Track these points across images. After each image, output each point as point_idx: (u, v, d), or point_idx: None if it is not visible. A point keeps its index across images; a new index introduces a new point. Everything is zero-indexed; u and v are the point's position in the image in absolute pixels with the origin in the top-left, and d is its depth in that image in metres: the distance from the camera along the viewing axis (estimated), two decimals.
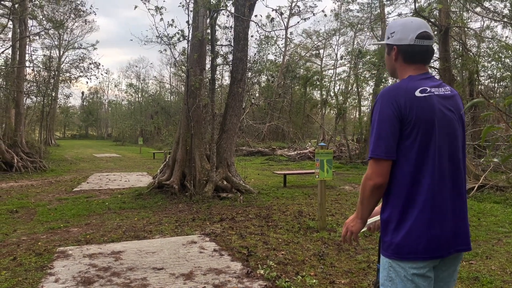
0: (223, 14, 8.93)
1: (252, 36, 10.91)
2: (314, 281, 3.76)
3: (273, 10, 9.06)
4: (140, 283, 3.72)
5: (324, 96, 23.53)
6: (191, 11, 8.37)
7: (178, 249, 4.79)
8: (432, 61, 1.90)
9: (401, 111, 1.63)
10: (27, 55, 15.77)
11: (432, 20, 11.15)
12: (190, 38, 8.48)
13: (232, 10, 8.71)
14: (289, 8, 29.56)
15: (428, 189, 1.63)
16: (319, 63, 32.81)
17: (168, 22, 8.86)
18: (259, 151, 21.15)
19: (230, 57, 9.41)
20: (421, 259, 1.62)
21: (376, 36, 20.19)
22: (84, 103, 56.18)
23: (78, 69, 22.19)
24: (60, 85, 27.07)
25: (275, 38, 18.71)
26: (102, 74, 47.25)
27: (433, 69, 11.69)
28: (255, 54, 22.78)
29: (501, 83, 18.80)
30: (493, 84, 19.41)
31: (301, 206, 7.52)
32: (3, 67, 15.76)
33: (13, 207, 7.39)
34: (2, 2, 13.03)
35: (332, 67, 30.95)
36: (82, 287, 3.63)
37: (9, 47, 15.37)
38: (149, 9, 8.19)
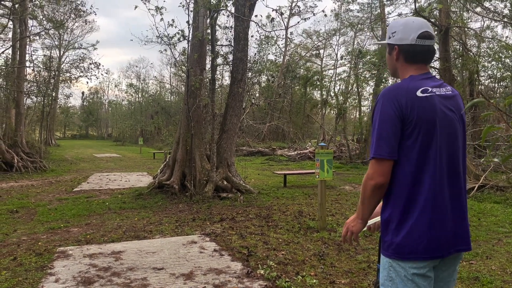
0: (223, 14, 8.94)
1: (252, 36, 10.92)
2: (314, 281, 3.76)
3: (273, 10, 9.07)
4: (140, 283, 3.72)
5: (324, 96, 23.54)
6: (191, 11, 8.37)
7: (178, 249, 4.79)
8: (432, 61, 1.89)
9: (402, 111, 1.63)
10: (27, 55, 15.79)
11: (432, 20, 11.15)
12: (190, 38, 8.48)
13: (232, 10, 8.72)
14: (289, 8, 29.59)
15: (429, 189, 1.63)
16: (319, 63, 32.81)
17: (168, 22, 8.87)
18: (259, 151, 21.15)
19: (230, 57, 9.41)
20: (422, 259, 1.62)
21: (376, 36, 20.18)
22: (84, 103, 56.22)
23: (78, 69, 22.22)
24: (60, 85, 27.06)
25: (275, 38, 18.73)
26: (102, 74, 47.37)
27: (433, 69, 11.69)
28: (255, 54, 22.80)
29: (501, 83, 18.81)
30: (493, 84, 19.42)
31: (301, 206, 7.52)
32: (4, 67, 15.76)
33: (13, 207, 7.39)
34: (2, 2, 13.04)
35: (332, 67, 30.97)
36: (82, 287, 3.63)
37: (10, 47, 15.39)
38: (149, 9, 8.20)
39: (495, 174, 10.17)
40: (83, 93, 54.50)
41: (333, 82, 25.73)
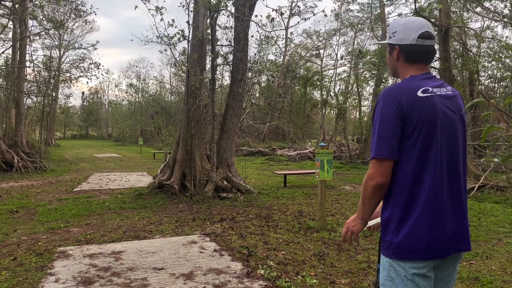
0: (223, 14, 8.94)
1: (252, 36, 10.91)
2: (314, 281, 3.76)
3: (273, 10, 9.07)
4: (140, 283, 3.72)
5: (324, 96, 23.54)
6: (191, 11, 8.37)
7: (178, 249, 4.79)
8: (432, 61, 1.89)
9: (403, 110, 1.63)
10: (27, 55, 15.80)
11: (432, 20, 11.15)
12: (190, 38, 8.48)
13: (232, 10, 8.72)
14: (289, 8, 29.59)
15: (430, 189, 1.63)
16: (319, 63, 32.80)
17: (169, 22, 8.86)
18: (259, 151, 21.15)
19: (230, 57, 9.41)
20: (422, 259, 1.62)
21: (376, 36, 20.18)
22: (85, 103, 56.23)
23: (78, 69, 22.25)
24: (61, 85, 27.06)
25: (275, 38, 18.70)
26: (102, 74, 47.47)
27: (433, 69, 11.68)
28: (255, 54, 22.81)
29: (501, 83, 18.80)
30: (493, 84, 19.42)
31: (301, 206, 7.52)
32: (4, 67, 15.77)
33: (13, 207, 7.39)
34: (2, 2, 13.03)
35: (332, 67, 30.97)
36: (83, 287, 3.63)
37: (10, 47, 15.39)
38: (149, 9, 8.21)
39: (495, 174, 10.17)
40: (83, 93, 54.59)
41: (333, 82, 25.74)
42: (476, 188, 8.52)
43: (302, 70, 28.28)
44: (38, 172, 13.42)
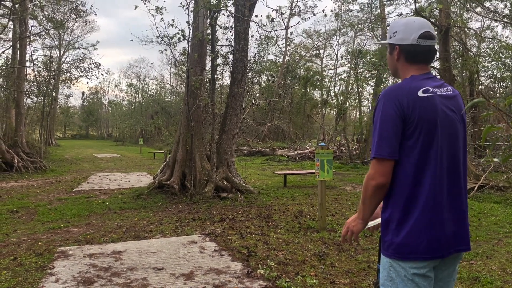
0: (224, 14, 8.94)
1: (252, 36, 10.91)
2: (315, 281, 3.76)
3: (273, 10, 9.08)
4: (140, 283, 3.72)
5: (325, 96, 23.52)
6: (191, 11, 8.37)
7: (178, 249, 4.79)
8: (433, 61, 1.89)
9: (403, 110, 1.63)
10: (27, 55, 15.80)
11: (433, 20, 11.15)
12: (190, 38, 8.48)
13: (233, 10, 8.72)
14: (289, 8, 29.59)
15: (430, 189, 1.63)
16: (320, 63, 32.81)
17: (169, 22, 8.87)
18: (259, 151, 21.15)
19: (231, 57, 9.41)
20: (422, 259, 1.62)
21: (376, 36, 20.18)
22: (85, 103, 56.23)
23: (78, 69, 22.26)
24: (61, 85, 27.07)
25: (275, 38, 18.72)
26: (102, 74, 47.55)
27: (433, 69, 11.68)
28: (255, 54, 22.81)
29: (501, 83, 18.80)
30: (493, 84, 19.42)
31: (301, 206, 7.52)
32: (4, 67, 15.77)
33: (13, 207, 7.39)
34: (2, 2, 13.03)
35: (332, 67, 30.96)
36: (83, 287, 3.63)
37: (10, 47, 15.39)
38: (149, 9, 8.21)
39: (495, 174, 10.16)
40: (83, 93, 54.61)
41: (333, 82, 25.72)
42: (476, 188, 8.52)
43: (302, 70, 28.27)
44: (38, 172, 13.42)
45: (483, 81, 18.26)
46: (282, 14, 10.51)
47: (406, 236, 1.63)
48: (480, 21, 20.01)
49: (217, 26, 8.86)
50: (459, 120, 1.76)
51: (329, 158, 5.73)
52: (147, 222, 6.26)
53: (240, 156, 19.40)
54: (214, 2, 7.90)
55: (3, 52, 15.78)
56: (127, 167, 15.91)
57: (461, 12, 13.69)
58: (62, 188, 9.97)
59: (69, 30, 31.90)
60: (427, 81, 1.72)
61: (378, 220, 1.86)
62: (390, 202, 1.69)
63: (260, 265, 4.17)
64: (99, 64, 19.61)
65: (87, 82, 70.91)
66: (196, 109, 8.57)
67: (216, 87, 13.84)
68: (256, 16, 13.10)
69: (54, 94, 25.56)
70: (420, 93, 1.66)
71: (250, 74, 19.73)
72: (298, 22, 55.40)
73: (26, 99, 17.15)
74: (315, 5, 46.30)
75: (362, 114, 21.74)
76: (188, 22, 8.32)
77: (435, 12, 11.56)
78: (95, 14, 39.04)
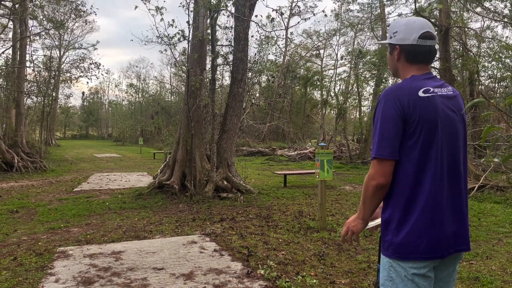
0: (224, 14, 8.94)
1: (252, 36, 10.91)
2: (315, 281, 3.76)
3: (273, 10, 9.08)
4: (140, 283, 3.72)
5: (325, 96, 23.53)
6: (191, 11, 8.38)
7: (178, 249, 4.79)
8: (433, 61, 1.89)
9: (404, 110, 1.63)
10: (27, 55, 15.80)
11: (433, 20, 11.15)
12: (190, 38, 8.48)
13: (233, 10, 8.72)
14: (289, 8, 29.59)
15: (430, 190, 1.63)
16: (320, 63, 32.81)
17: (169, 22, 8.86)
18: (260, 151, 21.15)
19: (231, 57, 9.41)
20: (422, 259, 1.62)
21: (376, 36, 20.18)
22: (85, 103, 56.23)
23: (78, 69, 22.26)
24: (61, 85, 27.07)
25: (275, 38, 18.71)
26: (102, 74, 47.56)
27: (433, 69, 11.68)
28: (255, 54, 22.81)
29: (501, 83, 18.80)
30: (493, 84, 19.42)
31: (301, 206, 7.52)
32: (4, 67, 15.77)
33: (13, 207, 7.39)
34: (2, 2, 13.03)
35: (333, 67, 30.96)
36: (83, 287, 3.63)
37: (10, 47, 15.40)
38: (149, 9, 8.21)
39: (495, 174, 10.16)
40: (83, 93, 54.62)
41: (333, 82, 25.72)
42: (476, 188, 8.52)
43: (302, 70, 28.27)
44: (38, 172, 13.42)
45: (483, 81, 18.27)
46: (282, 14, 10.52)
47: (406, 236, 1.63)
48: (480, 21, 20.04)
49: (217, 26, 8.87)
50: (459, 120, 1.76)
51: (329, 158, 5.73)
52: (147, 222, 6.26)
53: (240, 156, 19.40)
54: (214, 2, 7.90)
55: (3, 52, 15.80)
56: (127, 167, 15.91)
57: (461, 12, 13.69)
58: (62, 188, 9.97)
59: (69, 30, 31.93)
60: (427, 81, 1.72)
61: (378, 220, 1.86)
62: (391, 202, 1.69)
63: (260, 265, 4.17)
64: (99, 64, 19.62)
65: (87, 82, 71.05)
66: (196, 109, 8.57)
67: (216, 87, 13.84)
68: (256, 16, 13.12)
69: (54, 94, 25.57)
70: (420, 93, 1.66)
71: (250, 74, 19.73)
72: (298, 22, 55.40)
73: (26, 99, 17.16)
74: (315, 5, 46.33)
75: (362, 114, 21.74)
76: (188, 22, 8.32)
77: (435, 12, 11.57)
78: (95, 14, 39.07)
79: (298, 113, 29.73)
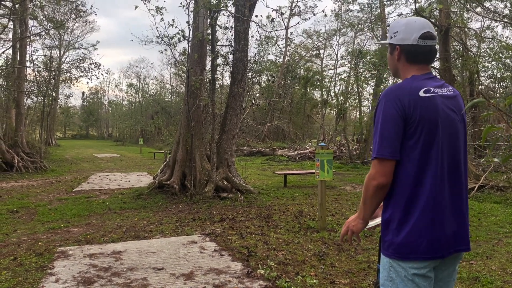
0: (224, 15, 8.94)
1: (252, 36, 10.92)
2: (315, 281, 3.76)
3: (273, 10, 9.09)
4: (140, 283, 3.72)
5: (325, 96, 23.53)
6: (191, 11, 8.38)
7: (178, 249, 4.79)
8: (434, 61, 1.89)
9: (405, 110, 1.63)
10: (27, 55, 15.80)
11: (433, 20, 11.14)
12: (190, 38, 8.48)
13: (233, 10, 8.73)
14: (289, 8, 29.59)
15: (430, 190, 1.63)
16: (320, 63, 32.81)
17: (169, 22, 8.87)
18: (260, 151, 21.15)
19: (231, 57, 9.41)
20: (422, 259, 1.62)
21: (376, 37, 20.18)
22: (85, 103, 56.24)
23: (78, 69, 22.27)
24: (61, 85, 27.07)
25: (275, 38, 18.72)
26: (102, 74, 47.59)
27: (433, 69, 11.67)
28: (255, 54, 22.80)
29: (501, 83, 18.80)
30: (493, 84, 19.42)
31: (301, 206, 7.52)
32: (4, 67, 15.77)
33: (13, 207, 7.39)
34: (2, 2, 13.03)
35: (333, 67, 30.97)
36: (83, 287, 3.63)
37: (10, 48, 15.40)
38: (149, 9, 8.21)
39: (495, 174, 10.16)
40: (83, 93, 54.63)
41: (333, 82, 25.72)
42: (476, 188, 8.52)
43: (302, 70, 28.27)
44: (38, 172, 13.42)
45: (483, 81, 18.27)
46: (282, 14, 10.53)
47: (406, 236, 1.63)
48: (480, 21, 20.03)
49: (217, 26, 8.87)
50: (459, 120, 1.76)
51: (329, 158, 5.73)
52: (147, 222, 6.26)
53: (240, 156, 19.40)
54: (214, 2, 7.90)
55: (3, 52, 15.81)
56: (127, 167, 15.91)
57: (461, 12, 13.69)
58: (62, 188, 9.97)
59: (69, 30, 31.94)
60: (428, 81, 1.72)
61: (379, 220, 1.86)
62: (391, 202, 1.69)
63: (260, 265, 4.17)
64: (99, 64, 19.63)
65: (87, 82, 71.13)
66: (196, 109, 8.57)
67: (216, 87, 13.84)
68: (256, 16, 13.11)
69: (54, 94, 25.58)
70: (421, 93, 1.66)
71: (250, 74, 19.74)
72: (298, 22, 55.35)
73: (26, 99, 17.16)
74: (315, 5, 46.36)
75: (362, 114, 21.73)
76: (188, 22, 8.32)
77: (435, 12, 11.56)
78: (95, 14, 39.08)
79: (298, 113, 29.73)
